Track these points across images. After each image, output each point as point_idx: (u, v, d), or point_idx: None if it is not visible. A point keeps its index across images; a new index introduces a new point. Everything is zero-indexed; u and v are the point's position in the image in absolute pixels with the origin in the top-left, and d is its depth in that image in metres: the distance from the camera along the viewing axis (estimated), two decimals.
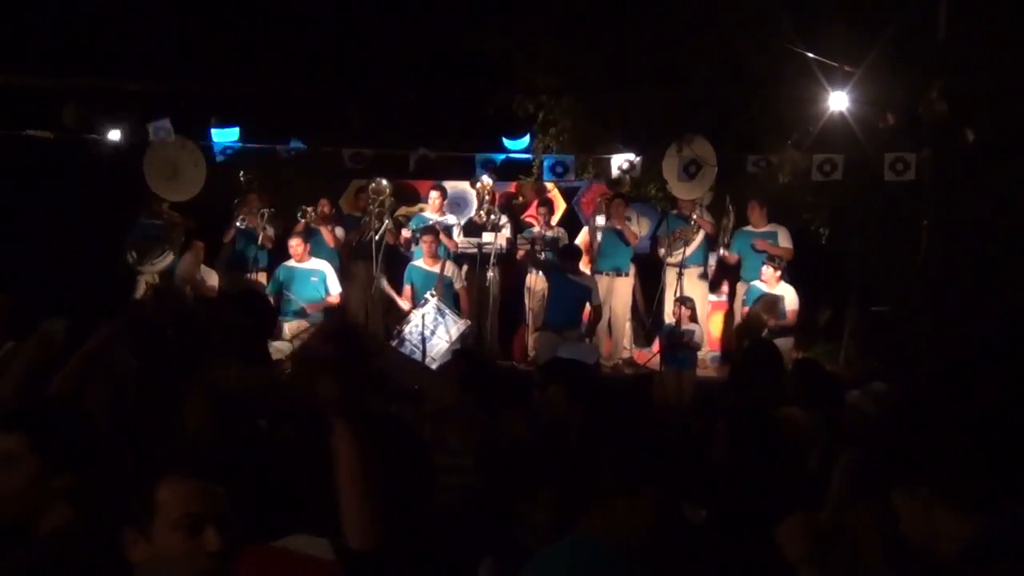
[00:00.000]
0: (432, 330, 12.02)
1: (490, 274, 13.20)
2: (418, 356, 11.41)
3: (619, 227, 13.28)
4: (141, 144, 12.68)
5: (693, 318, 12.67)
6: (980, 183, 11.50)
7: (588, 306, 12.76)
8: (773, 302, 12.18)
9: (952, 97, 11.17)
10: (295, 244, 12.76)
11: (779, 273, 12.50)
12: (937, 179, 11.74)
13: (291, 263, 12.82)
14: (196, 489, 2.82)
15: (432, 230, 13.06)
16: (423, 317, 12.06)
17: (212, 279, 13.17)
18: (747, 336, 12.17)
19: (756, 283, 12.68)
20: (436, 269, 12.75)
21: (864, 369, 11.81)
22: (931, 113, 11.40)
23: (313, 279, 12.75)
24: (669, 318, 12.81)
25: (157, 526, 2.79)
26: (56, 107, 12.39)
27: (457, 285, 12.89)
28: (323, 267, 12.84)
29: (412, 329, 11.99)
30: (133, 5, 14.53)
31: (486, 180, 13.87)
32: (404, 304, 12.94)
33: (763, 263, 12.64)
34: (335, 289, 12.71)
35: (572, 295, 12.56)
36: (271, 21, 14.54)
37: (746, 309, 12.59)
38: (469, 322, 12.48)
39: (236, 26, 14.55)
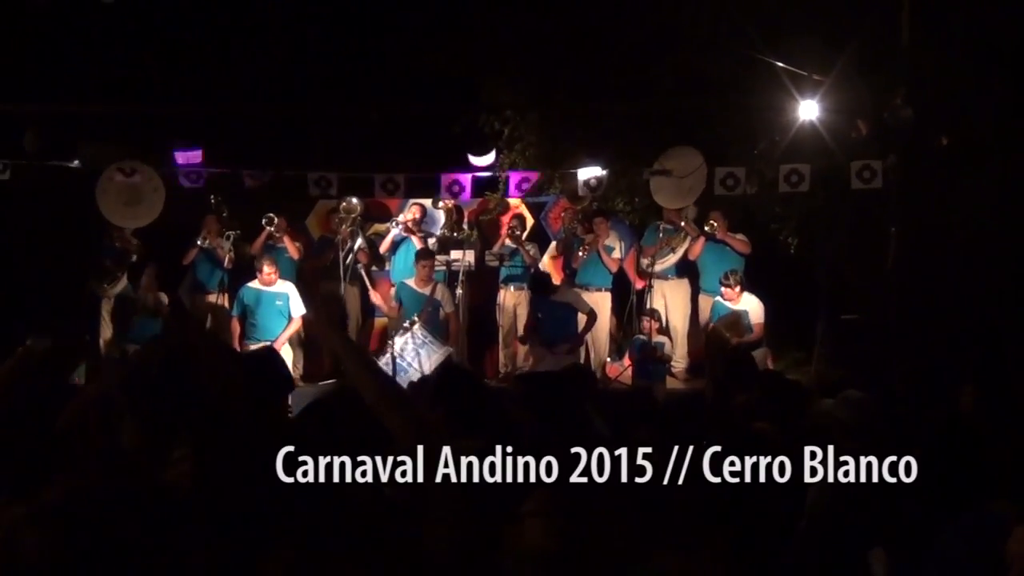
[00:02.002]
0: (408, 360, 11.84)
1: (459, 291, 13.12)
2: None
3: (600, 248, 13.23)
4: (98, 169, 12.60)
5: (662, 331, 12.64)
6: (948, 189, 11.52)
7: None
8: (735, 321, 12.10)
9: (918, 104, 11.20)
10: (268, 272, 12.56)
11: (738, 288, 12.46)
12: (904, 186, 11.77)
13: (256, 285, 12.64)
14: None
15: (429, 254, 12.95)
16: (403, 344, 11.89)
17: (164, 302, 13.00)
18: (713, 354, 12.14)
19: (719, 299, 12.66)
20: (427, 291, 12.60)
21: (835, 377, 11.80)
22: (897, 120, 11.42)
23: (278, 303, 12.56)
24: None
25: None
26: (16, 133, 12.26)
27: (447, 309, 12.72)
28: (287, 289, 12.66)
29: (388, 358, 11.79)
30: (93, 29, 14.39)
31: (447, 200, 13.86)
32: (379, 302, 12.99)
33: (720, 282, 12.61)
34: (297, 311, 12.52)
35: (558, 314, 12.54)
36: (234, 43, 14.45)
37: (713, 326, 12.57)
38: (451, 349, 12.28)
39: (197, 48, 14.45)
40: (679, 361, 13.38)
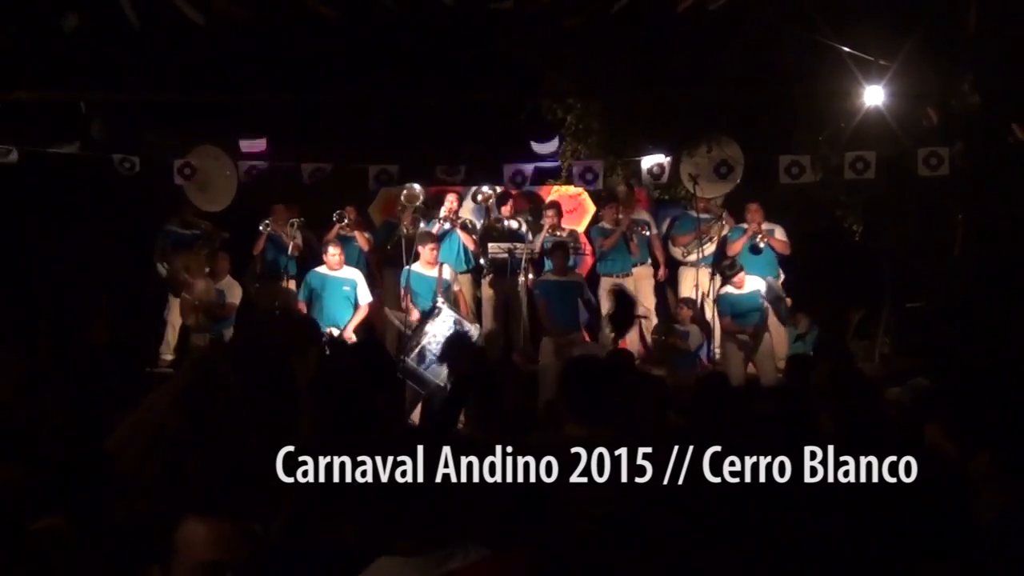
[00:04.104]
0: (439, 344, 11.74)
1: (520, 279, 13.10)
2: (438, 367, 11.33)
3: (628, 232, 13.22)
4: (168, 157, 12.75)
5: (695, 319, 12.63)
6: (1015, 175, 11.38)
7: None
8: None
9: (985, 90, 11.08)
10: (334, 253, 12.61)
11: (742, 273, 12.43)
12: (971, 173, 11.66)
13: (323, 270, 12.67)
14: (216, 535, 2.71)
15: (431, 237, 12.90)
16: (436, 329, 11.80)
17: (235, 294, 13.06)
18: None
19: (727, 289, 12.55)
20: (434, 273, 12.55)
21: (900, 366, 11.72)
22: (964, 106, 11.31)
23: (345, 288, 12.60)
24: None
25: (176, 568, 2.72)
26: (84, 122, 12.41)
27: (456, 287, 12.62)
28: (355, 276, 12.73)
29: (430, 340, 11.69)
30: (157, 18, 14.51)
31: (486, 191, 13.91)
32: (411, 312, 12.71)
33: (723, 275, 12.62)
34: (364, 299, 12.61)
35: (564, 297, 12.51)
36: (297, 30, 14.51)
37: (727, 320, 12.43)
38: (479, 326, 12.26)
39: (263, 36, 14.52)
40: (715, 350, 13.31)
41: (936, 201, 12.41)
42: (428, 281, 12.45)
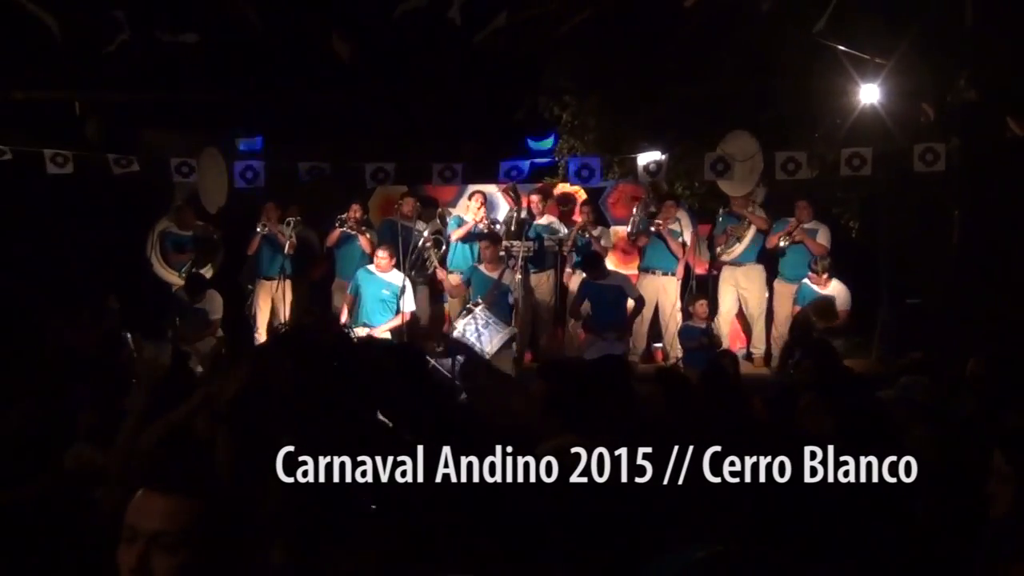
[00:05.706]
0: (472, 341, 11.79)
1: (517, 276, 13.06)
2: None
3: (665, 232, 13.20)
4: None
5: (709, 316, 12.67)
6: (1012, 171, 11.38)
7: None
8: (827, 307, 12.08)
9: (981, 85, 11.07)
10: (381, 256, 12.62)
11: (826, 275, 12.48)
12: (967, 169, 11.66)
13: (372, 269, 12.73)
14: (162, 507, 2.66)
15: (495, 238, 12.97)
16: (464, 326, 11.87)
17: (216, 308, 12.87)
18: (797, 337, 12.02)
19: (806, 283, 12.70)
20: (495, 275, 12.61)
21: (899, 365, 11.69)
22: (960, 102, 11.30)
23: (384, 291, 12.62)
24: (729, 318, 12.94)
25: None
26: (79, 121, 12.38)
27: (516, 294, 12.73)
28: (398, 281, 12.65)
29: (460, 334, 11.80)
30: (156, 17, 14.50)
31: (535, 198, 13.90)
32: (446, 284, 13.12)
33: (809, 266, 12.67)
34: (408, 307, 12.65)
35: (606, 299, 12.56)
36: (294, 30, 14.51)
37: (797, 308, 12.60)
38: (515, 330, 12.28)
39: (259, 34, 14.52)
40: (756, 347, 13.40)
41: (932, 197, 12.41)
42: (488, 281, 12.55)
